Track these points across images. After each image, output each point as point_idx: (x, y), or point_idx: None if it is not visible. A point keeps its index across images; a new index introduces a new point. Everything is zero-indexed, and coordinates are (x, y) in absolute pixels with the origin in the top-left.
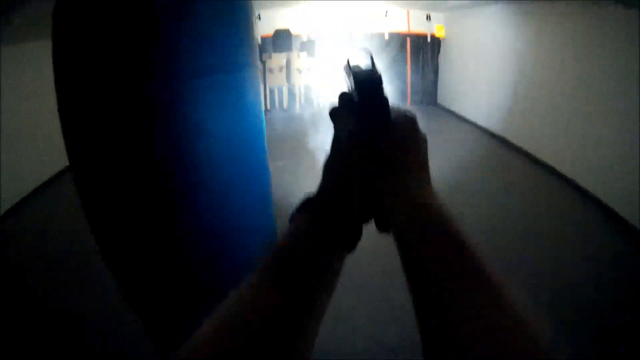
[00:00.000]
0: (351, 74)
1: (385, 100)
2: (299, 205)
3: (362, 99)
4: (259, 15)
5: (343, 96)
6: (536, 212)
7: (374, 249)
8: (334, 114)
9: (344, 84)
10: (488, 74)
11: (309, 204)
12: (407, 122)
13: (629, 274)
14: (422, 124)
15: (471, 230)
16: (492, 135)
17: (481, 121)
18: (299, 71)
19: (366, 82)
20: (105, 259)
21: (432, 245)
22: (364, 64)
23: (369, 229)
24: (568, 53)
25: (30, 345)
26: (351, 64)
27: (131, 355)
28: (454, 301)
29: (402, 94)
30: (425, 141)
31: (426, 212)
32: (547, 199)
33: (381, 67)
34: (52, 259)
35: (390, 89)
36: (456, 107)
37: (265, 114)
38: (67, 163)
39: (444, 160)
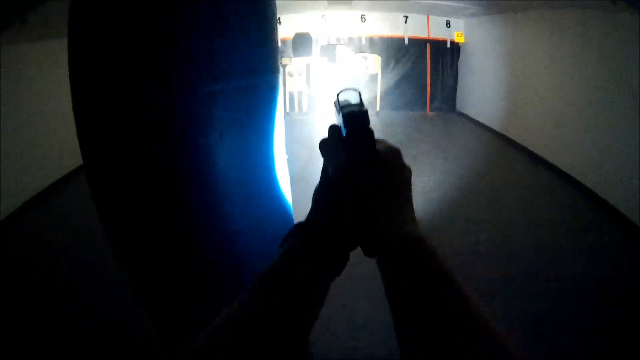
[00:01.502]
0: (340, 109)
1: (371, 132)
2: (290, 231)
3: (350, 132)
4: (279, 19)
5: (332, 129)
6: (549, 221)
7: None
8: (323, 145)
9: (334, 118)
10: (506, 81)
11: (299, 230)
12: (392, 155)
13: (630, 272)
14: (441, 131)
15: (484, 235)
16: (510, 143)
17: (500, 128)
18: (319, 76)
19: (353, 116)
20: (116, 254)
21: (413, 273)
22: (353, 100)
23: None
24: (587, 61)
25: (34, 343)
26: (341, 99)
27: (136, 351)
28: (429, 319)
29: (422, 100)
30: (409, 173)
31: (408, 241)
32: (563, 209)
33: (401, 73)
34: (56, 259)
35: (409, 96)
36: (475, 114)
37: (285, 117)
38: (79, 162)
39: (461, 167)
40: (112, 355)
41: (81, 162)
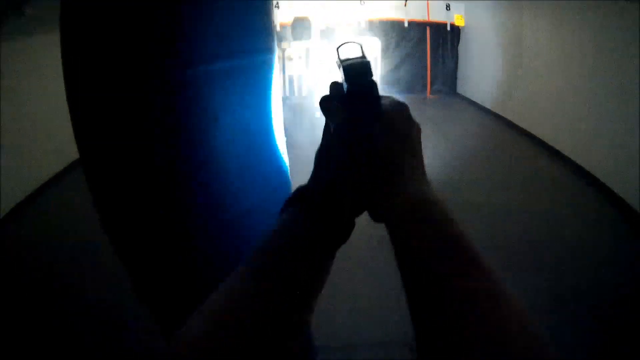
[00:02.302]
0: (340, 62)
1: (374, 84)
2: (291, 196)
3: (351, 85)
4: (278, 3)
5: (333, 85)
6: (551, 205)
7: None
8: (324, 102)
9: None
10: (507, 65)
11: (300, 195)
12: (399, 110)
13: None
14: (442, 114)
15: (486, 219)
16: (511, 125)
17: (500, 111)
18: (319, 60)
19: (354, 67)
20: (116, 249)
21: (427, 239)
22: (355, 54)
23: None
24: (587, 44)
25: (34, 342)
26: (341, 54)
27: (137, 351)
28: (451, 298)
29: (422, 83)
30: (418, 130)
31: (420, 203)
32: (563, 192)
33: (401, 56)
34: (56, 255)
35: (410, 79)
36: (475, 97)
37: (284, 102)
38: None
39: (462, 150)
40: (113, 355)
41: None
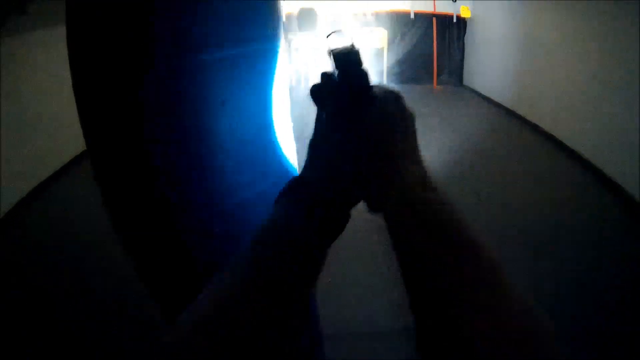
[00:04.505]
0: (331, 52)
1: (365, 73)
2: (285, 187)
3: (342, 74)
4: None
5: (325, 74)
6: (555, 197)
7: None
8: (315, 92)
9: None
10: (513, 56)
11: (295, 186)
12: (391, 98)
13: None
14: (448, 105)
15: (495, 212)
16: (517, 117)
17: (507, 103)
18: (325, 50)
19: (345, 57)
20: (122, 241)
21: (424, 229)
22: (345, 44)
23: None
24: (594, 35)
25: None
26: (332, 45)
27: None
28: (450, 289)
29: (429, 74)
30: (412, 117)
31: (416, 191)
32: (569, 185)
33: (407, 47)
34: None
35: (416, 70)
36: (482, 88)
37: (291, 92)
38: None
39: (469, 142)
40: (117, 352)
41: (80, 151)
